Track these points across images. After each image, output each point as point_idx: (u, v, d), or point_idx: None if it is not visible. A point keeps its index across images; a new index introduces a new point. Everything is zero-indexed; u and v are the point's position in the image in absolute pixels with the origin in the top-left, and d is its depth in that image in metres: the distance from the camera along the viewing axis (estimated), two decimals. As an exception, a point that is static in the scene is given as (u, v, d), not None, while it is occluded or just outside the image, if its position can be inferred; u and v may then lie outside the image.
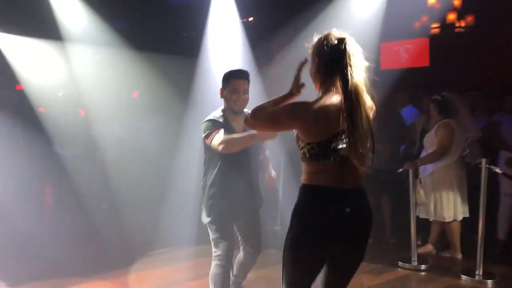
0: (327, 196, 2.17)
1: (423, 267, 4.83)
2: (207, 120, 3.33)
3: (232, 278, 3.70)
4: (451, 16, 6.41)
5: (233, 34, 6.10)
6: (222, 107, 3.46)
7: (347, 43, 2.19)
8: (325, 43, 2.22)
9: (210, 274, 3.40)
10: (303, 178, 2.25)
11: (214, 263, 3.40)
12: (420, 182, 4.99)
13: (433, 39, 6.65)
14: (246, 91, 3.39)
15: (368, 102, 2.19)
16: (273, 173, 3.65)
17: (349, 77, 2.13)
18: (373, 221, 2.29)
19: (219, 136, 3.18)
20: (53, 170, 5.78)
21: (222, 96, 3.44)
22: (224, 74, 3.44)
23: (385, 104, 5.70)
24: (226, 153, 3.25)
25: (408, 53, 7.39)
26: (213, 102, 3.65)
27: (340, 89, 2.17)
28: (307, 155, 2.20)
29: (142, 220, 5.44)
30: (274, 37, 6.68)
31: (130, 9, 7.15)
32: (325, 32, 2.27)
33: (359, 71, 2.17)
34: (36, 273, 4.48)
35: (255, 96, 3.64)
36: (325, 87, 2.24)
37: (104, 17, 6.70)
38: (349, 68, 2.15)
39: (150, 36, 7.26)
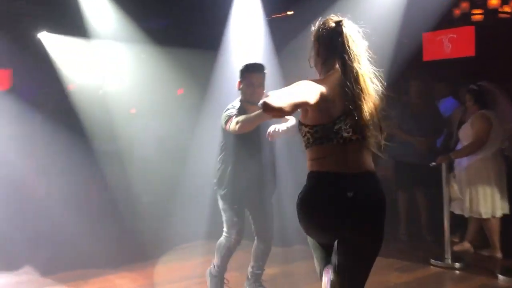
0: (330, 181, 2.15)
1: (457, 265, 4.60)
2: (227, 110, 3.49)
3: (249, 270, 3.75)
4: (494, 1, 6.06)
5: (256, 28, 6.07)
6: (240, 97, 3.61)
7: (344, 25, 2.18)
8: (322, 26, 2.24)
9: (218, 242, 3.68)
10: (308, 165, 2.23)
11: (222, 237, 3.67)
12: (454, 177, 4.76)
13: (475, 26, 6.32)
14: (261, 84, 3.53)
15: (370, 83, 2.16)
16: (281, 128, 3.22)
17: (347, 58, 2.13)
18: (383, 205, 2.20)
19: (235, 119, 3.31)
20: (92, 166, 5.99)
21: (239, 89, 3.56)
22: (241, 68, 3.55)
23: (422, 96, 5.51)
24: (241, 142, 3.48)
25: (453, 43, 7.08)
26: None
27: (340, 71, 2.16)
28: (311, 140, 2.17)
29: (171, 214, 5.51)
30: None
31: (165, 8, 7.26)
32: (323, 18, 2.27)
33: (358, 52, 2.15)
34: (67, 264, 4.65)
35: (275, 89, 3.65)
36: (326, 70, 2.24)
37: (136, 17, 6.86)
38: (346, 49, 2.14)
39: (185, 33, 7.34)
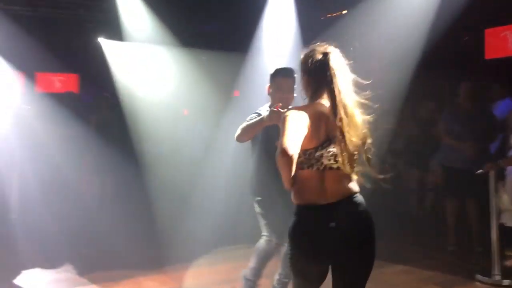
0: (311, 215, 2.21)
1: (506, 282, 4.23)
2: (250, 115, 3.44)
3: (276, 277, 3.68)
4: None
5: (288, 29, 5.97)
6: (269, 102, 3.50)
7: (331, 57, 2.24)
8: (310, 59, 2.28)
9: (257, 245, 3.62)
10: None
11: (263, 240, 3.61)
12: (504, 186, 4.39)
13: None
14: (291, 89, 3.47)
15: (356, 114, 2.20)
16: None
17: (334, 90, 2.19)
18: (368, 226, 2.24)
19: (239, 127, 3.27)
20: (136, 167, 6.17)
21: (269, 93, 3.51)
22: (271, 72, 3.50)
23: (473, 98, 5.14)
24: (270, 148, 3.28)
25: (519, 39, 6.57)
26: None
27: (328, 100, 2.23)
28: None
29: (210, 216, 5.54)
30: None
31: (218, 12, 7.31)
32: (310, 48, 2.32)
33: (344, 83, 2.22)
34: (103, 263, 4.78)
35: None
36: (315, 99, 2.29)
37: (190, 21, 6.95)
38: (334, 81, 2.20)
39: (237, 37, 7.37)
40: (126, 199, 5.90)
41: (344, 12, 8.22)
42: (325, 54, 2.23)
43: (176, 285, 4.31)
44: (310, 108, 2.21)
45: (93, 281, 4.37)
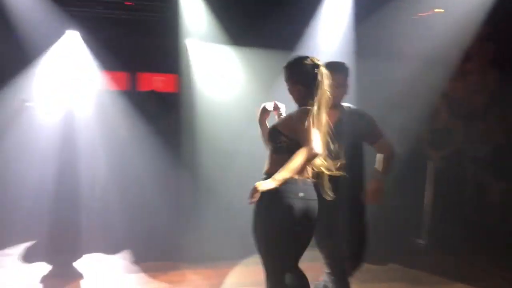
0: (290, 185, 2.67)
1: None
2: None
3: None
4: None
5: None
6: None
7: (320, 72, 2.72)
8: (304, 71, 2.74)
9: None
10: (275, 170, 2.63)
11: None
12: None
13: None
14: (341, 85, 3.35)
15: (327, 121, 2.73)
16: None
17: (319, 100, 2.68)
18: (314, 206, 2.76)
19: None
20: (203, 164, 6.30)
21: None
22: None
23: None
24: None
25: None
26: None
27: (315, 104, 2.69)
28: (285, 149, 2.71)
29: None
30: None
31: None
32: (299, 58, 2.80)
33: (326, 94, 2.72)
34: (155, 254, 4.92)
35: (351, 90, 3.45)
36: (305, 104, 2.73)
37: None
38: (320, 92, 2.70)
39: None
40: (186, 194, 6.04)
41: (437, 10, 7.70)
42: (316, 67, 2.71)
43: (219, 280, 4.30)
44: (309, 111, 2.66)
45: (143, 270, 4.51)
